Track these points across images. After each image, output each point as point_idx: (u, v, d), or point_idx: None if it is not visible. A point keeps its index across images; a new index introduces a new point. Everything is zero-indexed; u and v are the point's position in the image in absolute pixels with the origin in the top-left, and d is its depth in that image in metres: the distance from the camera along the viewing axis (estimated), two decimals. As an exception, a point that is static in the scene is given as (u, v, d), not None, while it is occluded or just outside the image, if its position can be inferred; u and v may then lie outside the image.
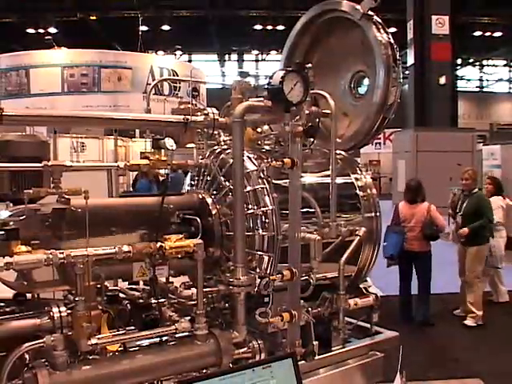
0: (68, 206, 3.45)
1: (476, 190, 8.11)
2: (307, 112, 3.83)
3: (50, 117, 3.89)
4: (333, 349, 4.32)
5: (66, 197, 3.43)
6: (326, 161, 4.34)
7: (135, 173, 13.72)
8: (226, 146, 4.19)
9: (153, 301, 3.69)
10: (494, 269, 8.86)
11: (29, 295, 3.68)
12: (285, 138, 3.84)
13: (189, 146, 4.57)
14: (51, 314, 3.13)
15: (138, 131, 18.36)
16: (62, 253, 3.06)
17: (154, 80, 17.42)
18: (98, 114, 4.13)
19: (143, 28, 26.70)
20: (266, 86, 3.71)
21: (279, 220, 3.81)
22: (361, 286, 4.70)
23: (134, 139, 19.55)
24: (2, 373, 2.98)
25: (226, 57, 40.86)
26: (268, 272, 3.78)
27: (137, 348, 3.52)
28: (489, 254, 8.45)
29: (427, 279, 8.03)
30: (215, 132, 4.17)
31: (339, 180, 4.25)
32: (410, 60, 23.03)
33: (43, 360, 3.12)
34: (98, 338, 3.14)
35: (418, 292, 8.10)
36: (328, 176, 4.06)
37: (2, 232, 3.10)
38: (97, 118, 3.96)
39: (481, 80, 44.86)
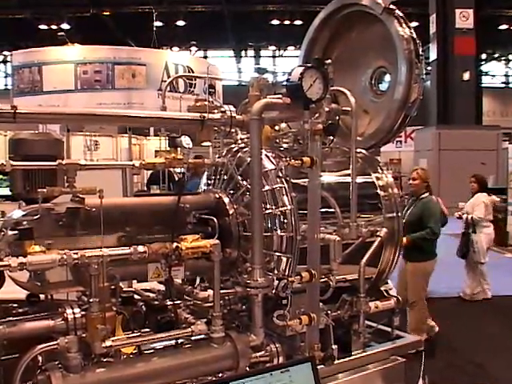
0: (82, 205, 3.48)
1: (426, 194, 7.31)
2: (327, 109, 3.81)
3: (63, 114, 3.91)
4: (353, 353, 4.30)
5: (81, 196, 3.46)
6: (346, 159, 4.33)
7: (149, 172, 13.82)
8: (243, 145, 4.20)
9: (168, 302, 3.71)
10: (477, 267, 9.36)
11: (42, 296, 3.71)
12: (304, 136, 3.83)
13: (204, 144, 4.59)
14: (65, 315, 3.14)
15: (152, 129, 18.46)
16: (77, 253, 3.08)
17: (168, 77, 17.50)
18: (112, 111, 4.14)
19: (157, 24, 26.79)
20: (285, 83, 3.71)
21: (298, 220, 3.81)
22: (381, 288, 4.69)
23: (148, 137, 19.65)
24: (15, 375, 3.01)
25: (243, 53, 40.83)
26: (286, 273, 3.78)
27: (152, 351, 3.55)
28: (472, 249, 9.13)
29: None
30: (232, 130, 4.18)
31: (360, 179, 4.23)
32: (433, 55, 22.91)
33: (57, 362, 3.15)
34: (113, 341, 3.16)
35: None
36: (348, 175, 4.04)
37: (16, 232, 3.14)
38: (111, 116, 3.97)
39: (506, 75, 44.40)
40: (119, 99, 17.12)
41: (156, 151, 15.01)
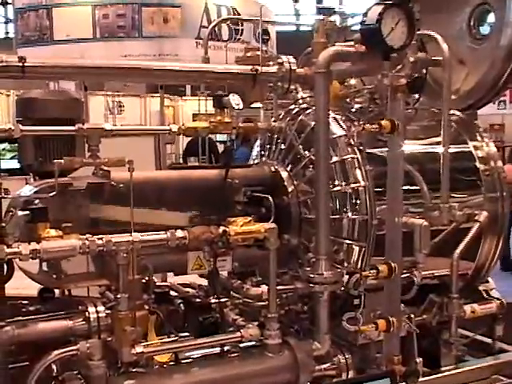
0: (108, 179, 3.55)
1: None
2: (412, 59, 3.79)
3: (80, 68, 3.98)
4: (442, 369, 4.30)
5: (106, 169, 3.52)
6: (435, 124, 4.30)
7: (186, 141, 13.95)
8: (305, 105, 4.21)
9: (212, 300, 3.77)
10: None
11: (58, 291, 3.81)
12: (382, 93, 3.82)
13: (253, 106, 4.60)
14: (86, 314, 3.22)
15: (188, 88, 18.50)
16: (101, 238, 3.15)
17: (208, 21, 17.47)
18: (140, 64, 4.19)
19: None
20: (359, 27, 3.69)
21: (374, 200, 3.82)
22: (480, 288, 4.65)
23: (184, 98, 19.70)
24: (26, 387, 3.10)
25: (301, -10, 40.50)
26: (359, 266, 3.81)
27: (191, 359, 3.62)
28: None
29: None
30: (292, 87, 4.18)
31: (453, 149, 4.20)
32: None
33: (76, 372, 3.25)
34: (144, 346, 3.24)
35: None
36: (438, 144, 4.02)
37: (27, 212, 3.21)
38: (138, 70, 4.04)
39: None
40: (148, 50, 17.15)
41: (194, 115, 15.11)
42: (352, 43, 3.71)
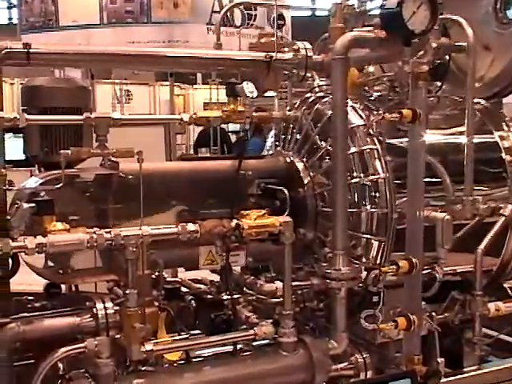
0: (116, 171, 3.57)
1: None
2: (434, 45, 3.78)
3: (87, 55, 3.97)
4: (465, 369, 4.29)
5: (114, 160, 3.54)
6: (459, 113, 4.28)
7: (197, 131, 13.98)
8: (321, 94, 4.21)
9: (224, 297, 3.78)
10: None
11: (64, 287, 3.83)
12: (403, 81, 3.81)
13: (267, 94, 4.60)
14: (94, 311, 3.25)
15: (199, 76, 18.46)
16: (109, 232, 3.17)
17: (220, 6, 17.44)
18: (149, 51, 4.19)
19: None
20: (378, 11, 3.68)
21: (394, 193, 3.82)
22: (505, 285, 4.64)
23: (195, 86, 19.70)
24: (31, 386, 3.12)
25: (318, -28, 40.38)
26: (378, 262, 3.81)
27: (203, 358, 3.63)
28: None
29: None
30: (308, 74, 4.18)
31: (477, 139, 4.19)
32: None
33: (83, 370, 3.27)
34: (154, 344, 3.25)
35: None
36: (462, 134, 4.01)
37: (33, 205, 3.23)
38: (147, 57, 4.04)
39: None
40: (157, 36, 17.10)
41: (205, 103, 15.11)
42: (371, 28, 3.70)
